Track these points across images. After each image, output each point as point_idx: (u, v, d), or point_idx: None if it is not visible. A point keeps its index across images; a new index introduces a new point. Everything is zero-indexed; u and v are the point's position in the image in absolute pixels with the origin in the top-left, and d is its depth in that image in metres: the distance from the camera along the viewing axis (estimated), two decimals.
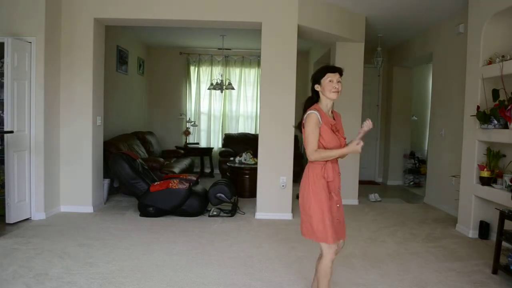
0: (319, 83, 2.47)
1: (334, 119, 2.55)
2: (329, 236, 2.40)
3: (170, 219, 4.85)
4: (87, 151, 5.03)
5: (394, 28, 6.42)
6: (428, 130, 7.59)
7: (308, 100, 2.54)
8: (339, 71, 2.49)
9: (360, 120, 5.99)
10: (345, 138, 2.54)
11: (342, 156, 2.44)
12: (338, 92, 2.45)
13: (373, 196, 6.31)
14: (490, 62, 4.17)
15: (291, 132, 5.12)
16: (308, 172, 2.47)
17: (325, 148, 2.42)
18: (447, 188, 5.59)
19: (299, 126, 2.53)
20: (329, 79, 2.43)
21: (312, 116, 2.38)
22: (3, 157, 4.36)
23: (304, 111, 2.49)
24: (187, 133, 8.65)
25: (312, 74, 2.54)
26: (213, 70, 8.83)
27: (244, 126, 9.03)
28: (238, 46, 8.38)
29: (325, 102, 2.49)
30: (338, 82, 2.46)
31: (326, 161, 2.43)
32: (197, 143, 8.84)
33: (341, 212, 2.58)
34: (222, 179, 5.70)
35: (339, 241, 2.51)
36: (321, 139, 2.41)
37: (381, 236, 4.41)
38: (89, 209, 5.05)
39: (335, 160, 2.50)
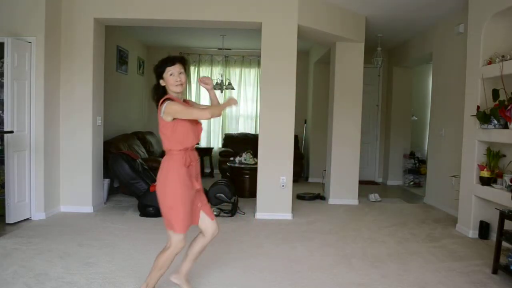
0: (162, 78, 2.44)
1: None
2: (185, 226, 2.45)
3: None
4: (87, 151, 5.03)
5: (394, 28, 6.42)
6: (428, 130, 7.60)
7: (156, 88, 2.49)
8: (180, 61, 2.45)
9: (360, 120, 5.99)
10: (200, 124, 2.59)
11: (222, 109, 2.55)
12: (182, 84, 2.44)
13: (373, 196, 6.31)
14: (490, 62, 4.17)
15: (291, 132, 5.12)
16: (167, 162, 2.46)
17: (182, 136, 2.42)
18: (447, 188, 5.59)
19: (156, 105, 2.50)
20: (170, 73, 2.41)
21: (170, 103, 2.37)
22: (3, 157, 4.36)
23: (156, 102, 2.47)
24: None
25: (154, 67, 2.49)
26: (213, 70, 8.83)
27: (244, 126, 9.03)
28: (238, 46, 8.38)
29: (174, 95, 2.47)
30: (180, 73, 2.43)
31: (186, 148, 2.45)
32: (197, 143, 8.82)
33: (203, 196, 2.64)
34: (222, 179, 5.71)
35: (188, 228, 2.53)
36: (180, 125, 2.40)
37: (381, 236, 4.41)
38: (89, 209, 5.05)
39: (193, 148, 2.54)
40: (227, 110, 8.97)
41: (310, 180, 8.19)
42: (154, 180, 5.20)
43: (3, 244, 3.72)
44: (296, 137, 7.67)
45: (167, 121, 2.40)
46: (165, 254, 2.49)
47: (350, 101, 5.95)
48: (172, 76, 2.41)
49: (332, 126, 6.03)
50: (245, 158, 6.82)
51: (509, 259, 3.17)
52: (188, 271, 2.73)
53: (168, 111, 2.37)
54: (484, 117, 4.08)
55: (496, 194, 3.94)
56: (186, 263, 2.70)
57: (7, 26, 4.50)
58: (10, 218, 4.32)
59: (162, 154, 7.80)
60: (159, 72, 2.45)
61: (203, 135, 9.01)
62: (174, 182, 2.43)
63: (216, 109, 2.48)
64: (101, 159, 5.34)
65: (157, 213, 4.85)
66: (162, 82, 2.46)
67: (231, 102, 2.53)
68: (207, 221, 2.62)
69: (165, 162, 2.49)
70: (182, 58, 2.50)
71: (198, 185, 2.56)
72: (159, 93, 2.48)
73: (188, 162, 2.46)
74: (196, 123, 2.52)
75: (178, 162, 2.44)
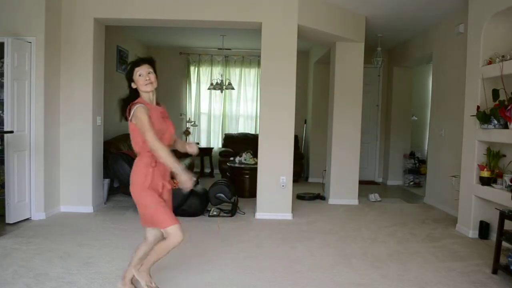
0: (133, 80, 2.49)
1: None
2: (170, 218, 2.43)
3: None
4: (87, 151, 5.03)
5: (394, 28, 6.42)
6: (428, 130, 7.60)
7: (126, 99, 2.52)
8: (147, 61, 2.51)
9: (360, 120, 5.99)
10: (173, 126, 2.60)
11: (168, 163, 2.39)
12: (151, 83, 2.48)
13: (373, 196, 6.31)
14: (490, 62, 4.17)
15: (291, 132, 5.12)
16: (138, 165, 2.49)
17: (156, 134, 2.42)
18: (447, 188, 5.59)
19: (125, 118, 2.51)
20: (138, 73, 2.47)
21: (140, 108, 2.40)
22: (3, 157, 4.36)
23: (123, 109, 2.50)
24: (187, 133, 8.65)
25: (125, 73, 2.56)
26: (213, 70, 8.83)
27: (244, 126, 9.03)
28: (238, 46, 8.38)
29: (146, 96, 2.51)
30: (149, 73, 2.48)
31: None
32: (197, 143, 8.83)
33: (170, 201, 2.64)
34: (222, 179, 5.71)
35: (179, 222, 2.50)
36: (152, 124, 2.41)
37: (381, 236, 4.41)
38: (89, 209, 5.05)
39: (167, 147, 2.51)
40: (227, 109, 8.98)
41: (310, 180, 8.19)
42: None
43: (3, 244, 3.72)
44: (296, 137, 7.67)
45: (135, 124, 2.42)
46: (167, 241, 2.45)
47: (350, 101, 5.95)
48: (141, 76, 2.46)
49: (332, 126, 6.03)
50: (245, 158, 6.82)
51: (509, 259, 3.17)
52: (132, 277, 2.68)
53: (136, 115, 2.39)
54: (484, 117, 4.08)
55: (496, 194, 3.94)
56: (129, 269, 2.67)
57: (7, 26, 4.50)
58: (10, 218, 4.32)
59: None
60: (129, 75, 2.50)
61: (204, 134, 9.02)
62: (143, 183, 2.45)
63: (164, 155, 2.35)
64: (101, 159, 5.34)
65: None
66: (133, 85, 2.51)
67: (184, 177, 2.36)
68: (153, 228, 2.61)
69: (135, 165, 2.51)
70: (150, 58, 2.56)
71: (168, 185, 2.57)
72: (130, 100, 2.50)
73: (157, 165, 2.47)
74: (166, 124, 2.53)
75: (148, 164, 2.46)
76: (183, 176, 2.37)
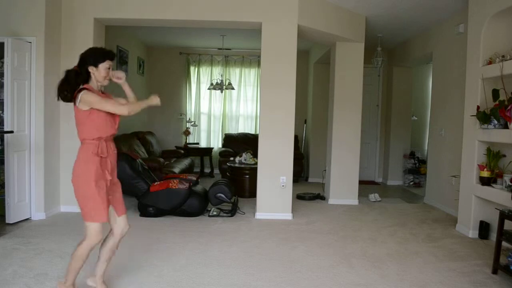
0: (95, 66, 2.45)
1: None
2: (101, 215, 2.39)
3: (170, 219, 4.85)
4: None
5: (394, 28, 6.42)
6: (428, 130, 7.60)
7: (76, 75, 2.46)
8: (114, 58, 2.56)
9: (361, 120, 5.99)
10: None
11: (144, 106, 2.60)
12: (110, 79, 2.55)
13: (373, 196, 6.31)
14: (490, 62, 4.17)
15: (291, 132, 5.12)
16: (81, 152, 2.45)
17: (97, 126, 2.42)
18: (447, 188, 5.59)
19: (68, 99, 2.44)
20: (108, 65, 2.47)
21: (86, 93, 2.37)
22: (3, 157, 4.36)
23: (69, 85, 2.42)
24: (187, 133, 8.65)
25: (86, 53, 2.50)
26: (213, 70, 8.83)
27: (244, 126, 9.03)
28: (238, 46, 8.38)
29: (96, 85, 2.51)
30: (112, 69, 2.54)
31: (100, 138, 2.44)
32: (197, 143, 8.84)
33: (118, 189, 2.61)
34: (222, 179, 5.71)
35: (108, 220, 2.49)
36: (95, 115, 2.41)
37: (381, 236, 4.41)
38: None
39: (110, 138, 2.52)
40: (227, 109, 8.98)
41: (310, 180, 8.19)
42: (154, 180, 5.21)
43: (3, 244, 3.72)
44: (296, 137, 7.67)
45: (82, 110, 2.40)
46: (81, 247, 2.42)
47: (350, 101, 5.95)
48: (108, 70, 2.49)
49: (332, 126, 6.03)
50: (245, 158, 6.82)
51: (509, 259, 3.17)
52: (103, 273, 2.67)
53: (85, 100, 2.36)
54: (484, 117, 4.08)
55: (496, 194, 3.94)
56: (99, 264, 2.65)
57: (7, 26, 4.50)
58: (10, 218, 4.32)
59: (162, 154, 7.82)
60: (96, 60, 2.45)
61: (204, 134, 9.02)
62: (87, 172, 2.39)
63: (135, 106, 2.55)
64: None
65: (157, 213, 4.87)
66: (92, 69, 2.46)
67: (153, 100, 2.59)
68: (114, 218, 2.58)
69: (79, 152, 2.46)
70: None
71: (111, 176, 2.51)
72: (80, 81, 2.45)
73: (102, 152, 2.44)
74: (113, 113, 2.50)
75: (91, 152, 2.42)
76: (150, 101, 2.59)
